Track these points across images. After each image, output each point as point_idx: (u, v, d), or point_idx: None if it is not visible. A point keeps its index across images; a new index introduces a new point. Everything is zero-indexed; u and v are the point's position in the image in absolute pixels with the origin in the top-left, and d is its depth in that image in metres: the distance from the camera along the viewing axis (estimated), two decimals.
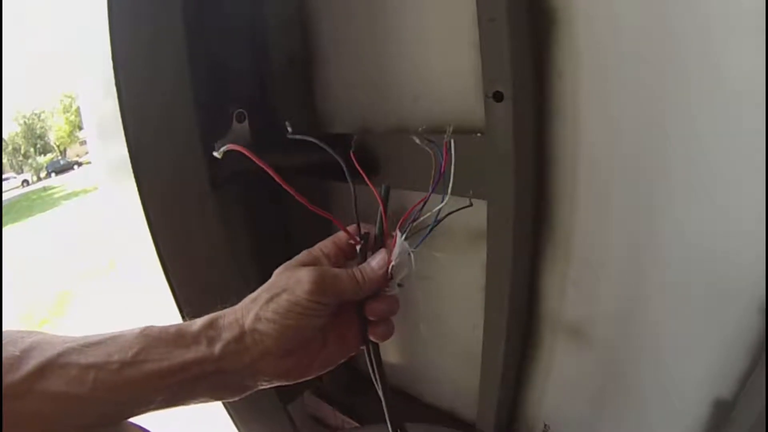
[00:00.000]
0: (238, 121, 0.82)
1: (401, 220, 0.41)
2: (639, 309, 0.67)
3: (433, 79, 0.75)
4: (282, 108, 0.93)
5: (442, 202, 0.40)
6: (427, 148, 0.42)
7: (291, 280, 0.38)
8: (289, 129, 0.40)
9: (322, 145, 0.39)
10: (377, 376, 0.43)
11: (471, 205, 0.43)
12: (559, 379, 0.81)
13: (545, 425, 0.86)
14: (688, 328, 0.64)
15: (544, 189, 0.69)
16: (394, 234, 0.41)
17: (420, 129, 0.47)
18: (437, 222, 0.41)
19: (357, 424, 1.06)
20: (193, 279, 0.85)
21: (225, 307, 0.40)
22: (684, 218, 0.59)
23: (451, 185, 0.40)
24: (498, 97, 0.57)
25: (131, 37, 0.71)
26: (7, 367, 0.31)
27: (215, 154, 0.39)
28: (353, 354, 0.43)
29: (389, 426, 0.44)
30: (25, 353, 0.32)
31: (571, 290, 0.73)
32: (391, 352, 1.03)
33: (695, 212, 0.58)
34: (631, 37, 0.56)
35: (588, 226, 0.68)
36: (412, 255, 0.41)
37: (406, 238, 0.40)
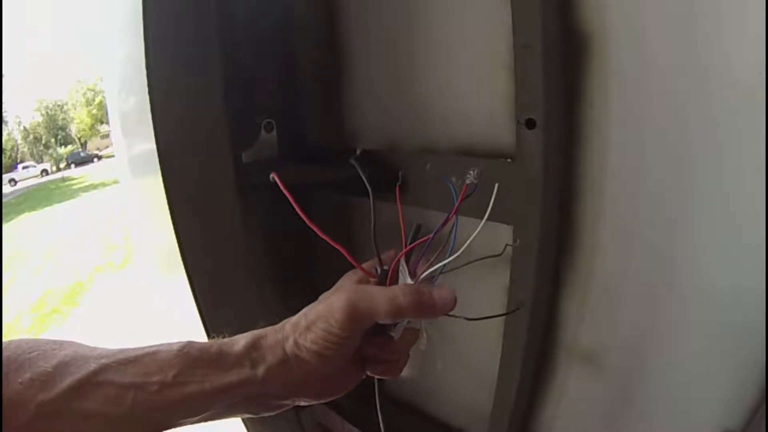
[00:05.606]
0: (266, 131, 0.83)
1: (416, 265, 0.43)
2: (653, 339, 0.67)
3: (462, 100, 0.76)
4: (309, 121, 0.94)
5: (448, 256, 0.43)
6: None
7: (326, 309, 0.38)
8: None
9: (362, 174, 0.39)
10: (378, 410, 0.45)
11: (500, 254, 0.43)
12: (570, 405, 0.80)
13: None
14: (700, 360, 0.63)
15: (568, 215, 0.68)
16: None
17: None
18: (444, 266, 0.43)
19: None
20: (214, 284, 0.85)
21: (265, 325, 0.39)
22: (704, 253, 0.59)
23: (483, 220, 0.41)
24: (530, 124, 0.57)
25: (166, 39, 0.72)
26: (40, 384, 0.31)
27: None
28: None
29: None
30: (58, 369, 0.32)
31: (589, 317, 0.72)
32: (405, 367, 1.03)
33: (716, 247, 0.57)
34: (661, 70, 0.56)
35: (608, 254, 0.67)
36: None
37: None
